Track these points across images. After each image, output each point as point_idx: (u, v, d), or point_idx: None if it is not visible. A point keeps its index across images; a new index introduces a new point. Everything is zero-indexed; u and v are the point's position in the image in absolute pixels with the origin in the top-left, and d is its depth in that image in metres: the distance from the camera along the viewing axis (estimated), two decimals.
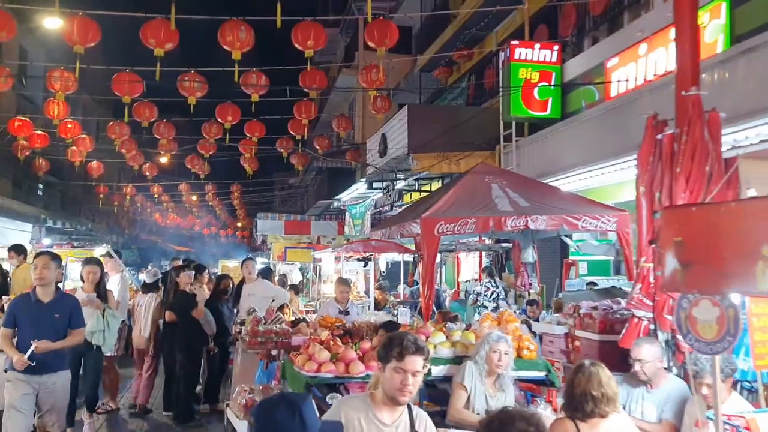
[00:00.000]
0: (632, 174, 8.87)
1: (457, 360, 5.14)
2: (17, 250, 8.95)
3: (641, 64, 9.05)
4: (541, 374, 5.46)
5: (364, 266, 8.89)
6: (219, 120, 12.13)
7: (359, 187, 15.03)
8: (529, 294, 10.30)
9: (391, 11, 21.12)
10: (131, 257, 32.79)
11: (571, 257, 11.00)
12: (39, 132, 14.63)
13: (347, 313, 7.02)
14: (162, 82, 10.64)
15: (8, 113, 14.59)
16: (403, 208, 11.13)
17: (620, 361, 4.72)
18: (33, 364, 4.73)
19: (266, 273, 8.46)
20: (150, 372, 7.86)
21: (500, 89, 11.37)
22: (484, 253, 12.27)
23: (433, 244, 8.02)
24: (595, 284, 9.18)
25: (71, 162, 16.81)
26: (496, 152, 11.74)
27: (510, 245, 11.22)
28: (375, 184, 14.46)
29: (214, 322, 7.35)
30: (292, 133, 13.72)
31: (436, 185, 14.61)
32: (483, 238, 11.20)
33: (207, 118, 13.58)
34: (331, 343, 5.07)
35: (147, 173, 19.01)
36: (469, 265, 14.16)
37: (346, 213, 17.24)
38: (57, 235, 20.97)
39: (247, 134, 13.60)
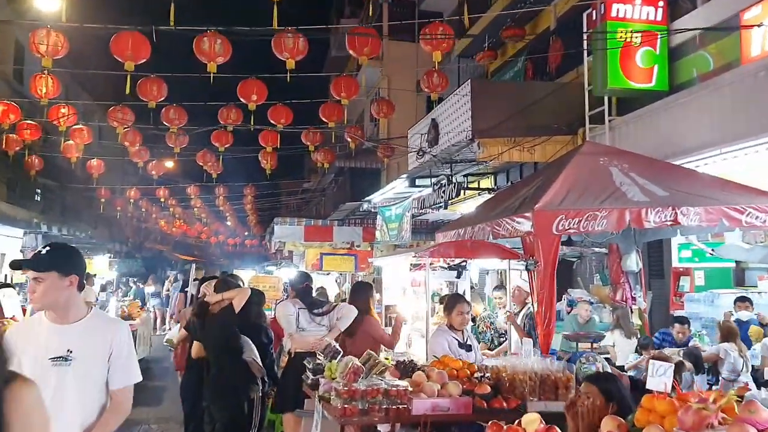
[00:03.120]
0: None
1: None
2: None
3: None
4: None
5: (457, 277, 6.53)
6: (241, 99, 9.80)
7: (397, 185, 12.65)
8: (632, 311, 7.95)
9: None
10: (135, 267, 30.44)
11: (681, 264, 8.65)
12: (30, 122, 12.35)
13: (468, 347, 4.72)
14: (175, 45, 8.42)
15: None
16: (480, 203, 8.75)
17: None
18: None
19: (304, 289, 5.51)
20: None
21: (584, 55, 9.07)
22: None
23: (552, 246, 5.69)
24: (746, 299, 6.83)
25: (68, 162, 14.44)
26: (580, 136, 9.42)
27: (603, 249, 8.90)
28: (419, 181, 12.08)
29: (259, 357, 5.02)
30: (323, 119, 11.41)
31: (486, 182, 12.28)
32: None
33: (225, 102, 11.26)
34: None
35: (153, 172, 16.59)
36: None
37: (378, 216, 14.85)
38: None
39: (272, 120, 11.28)
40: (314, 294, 5.79)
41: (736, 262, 8.41)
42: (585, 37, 9.06)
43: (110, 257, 22.41)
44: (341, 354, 4.18)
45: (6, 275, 12.83)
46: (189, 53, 8.29)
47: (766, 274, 8.08)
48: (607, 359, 7.09)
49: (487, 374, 3.79)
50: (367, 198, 15.20)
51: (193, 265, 11.45)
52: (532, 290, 5.68)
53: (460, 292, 6.96)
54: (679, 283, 8.57)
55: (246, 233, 36.59)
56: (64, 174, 21.12)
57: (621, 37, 8.48)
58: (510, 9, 13.19)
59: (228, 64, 8.59)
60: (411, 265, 6.31)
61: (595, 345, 6.04)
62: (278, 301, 8.59)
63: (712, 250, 7.23)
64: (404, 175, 12.19)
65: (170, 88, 9.87)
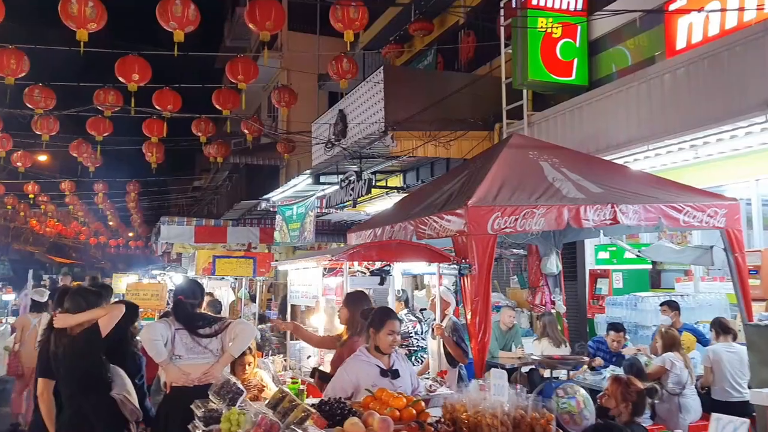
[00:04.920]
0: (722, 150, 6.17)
1: None
2: None
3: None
4: None
5: (380, 283, 5.54)
6: (120, 79, 8.39)
7: (299, 182, 11.60)
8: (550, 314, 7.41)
9: None
10: (2, 271, 27.25)
11: (599, 266, 8.24)
12: None
13: (395, 374, 3.71)
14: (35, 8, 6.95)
15: None
16: (399, 200, 7.90)
17: None
18: None
19: (177, 304, 4.14)
20: None
21: (501, 46, 8.50)
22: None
23: (488, 247, 4.95)
24: (673, 303, 6.38)
25: None
26: (496, 132, 8.84)
27: (520, 251, 8.34)
28: (323, 178, 11.11)
29: (135, 394, 3.82)
30: (218, 107, 10.14)
31: (394, 180, 11.50)
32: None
33: (102, 84, 9.74)
34: None
35: (19, 164, 14.43)
36: None
37: (277, 216, 13.70)
38: None
39: (157, 106, 9.88)
40: (203, 305, 4.57)
41: (652, 263, 8.11)
42: (503, 26, 8.49)
43: None
44: (243, 395, 3.12)
45: None
46: (55, 20, 6.88)
47: (683, 276, 7.82)
48: (534, 370, 6.46)
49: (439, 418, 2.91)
50: (265, 196, 14.00)
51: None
52: (464, 297, 4.90)
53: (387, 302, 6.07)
54: (597, 286, 8.17)
55: (130, 234, 33.86)
56: None
57: (541, 28, 7.97)
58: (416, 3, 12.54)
59: (103, 35, 7.24)
60: (324, 269, 5.34)
61: (572, 373, 5.31)
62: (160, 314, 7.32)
63: (639, 251, 6.80)
64: (308, 171, 11.16)
65: (32, 63, 8.29)
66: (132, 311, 4.20)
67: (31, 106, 9.68)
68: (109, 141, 11.97)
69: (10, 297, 15.12)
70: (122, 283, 15.22)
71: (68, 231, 28.90)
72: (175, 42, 7.10)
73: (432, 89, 8.89)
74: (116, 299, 6.04)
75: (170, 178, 22.44)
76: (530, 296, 7.53)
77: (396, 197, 10.19)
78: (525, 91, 8.35)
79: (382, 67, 9.04)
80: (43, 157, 21.66)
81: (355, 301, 4.78)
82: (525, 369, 6.54)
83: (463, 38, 11.20)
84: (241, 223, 16.59)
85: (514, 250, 8.12)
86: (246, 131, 12.47)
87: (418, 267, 6.20)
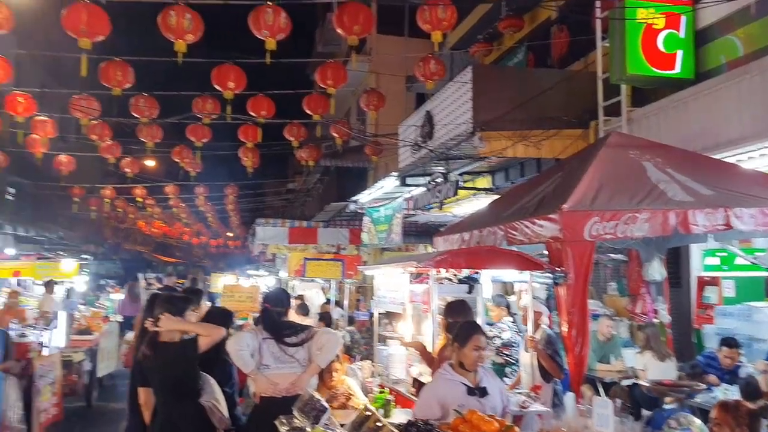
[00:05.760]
0: None
1: None
2: None
3: None
4: None
5: (468, 292, 5.33)
6: (217, 87, 8.58)
7: (387, 184, 11.49)
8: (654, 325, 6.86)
9: None
10: (113, 270, 28.99)
11: (707, 273, 7.58)
12: None
13: (483, 392, 3.47)
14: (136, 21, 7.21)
15: None
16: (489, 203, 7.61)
17: None
18: None
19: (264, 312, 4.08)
20: None
21: (597, 40, 8.01)
22: None
23: (585, 255, 4.60)
24: None
25: (36, 158, 13.06)
26: (592, 130, 8.35)
27: (619, 256, 7.83)
28: (410, 180, 10.94)
29: (224, 402, 3.80)
30: (308, 112, 10.21)
31: (482, 182, 11.15)
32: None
33: (200, 92, 10.02)
34: None
35: (127, 169, 15.22)
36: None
37: (365, 217, 13.69)
38: (26, 245, 17.30)
39: (252, 113, 10.07)
40: (294, 307, 4.50)
41: None
42: (599, 19, 8.00)
43: (85, 258, 20.99)
44: (327, 412, 3.00)
45: None
46: (154, 32, 7.10)
47: None
48: (636, 384, 6.00)
49: None
50: (353, 198, 14.02)
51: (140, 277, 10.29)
52: (559, 307, 4.58)
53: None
54: (704, 294, 7.52)
55: (229, 234, 35.15)
56: (37, 171, 19.70)
57: (642, 19, 7.43)
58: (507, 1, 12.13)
59: (200, 45, 7.40)
60: (411, 276, 5.16)
61: (690, 400, 4.85)
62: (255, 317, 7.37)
63: (754, 257, 6.18)
64: (395, 173, 11.03)
65: (136, 74, 8.63)
66: (227, 318, 4.19)
67: (136, 115, 10.13)
68: (208, 146, 12.34)
69: (118, 296, 15.97)
70: (220, 282, 15.69)
71: (172, 231, 30.39)
72: (267, 50, 7.16)
73: (522, 87, 8.52)
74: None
75: (265, 181, 23.04)
76: (630, 305, 7.03)
77: (484, 198, 9.88)
78: (623, 87, 7.83)
79: (470, 67, 8.76)
80: (149, 163, 22.85)
81: (452, 311, 4.55)
82: (626, 383, 6.09)
83: (556, 33, 10.71)
84: (332, 224, 16.75)
85: (612, 255, 7.63)
86: (336, 135, 12.54)
87: (509, 274, 5.90)
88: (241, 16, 7.13)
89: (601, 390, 4.22)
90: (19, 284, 11.29)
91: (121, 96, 8.92)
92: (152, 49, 8.51)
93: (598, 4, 8.06)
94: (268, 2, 6.88)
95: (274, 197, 29.13)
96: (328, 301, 10.88)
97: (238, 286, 11.35)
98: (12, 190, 22.20)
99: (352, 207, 14.17)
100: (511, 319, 6.20)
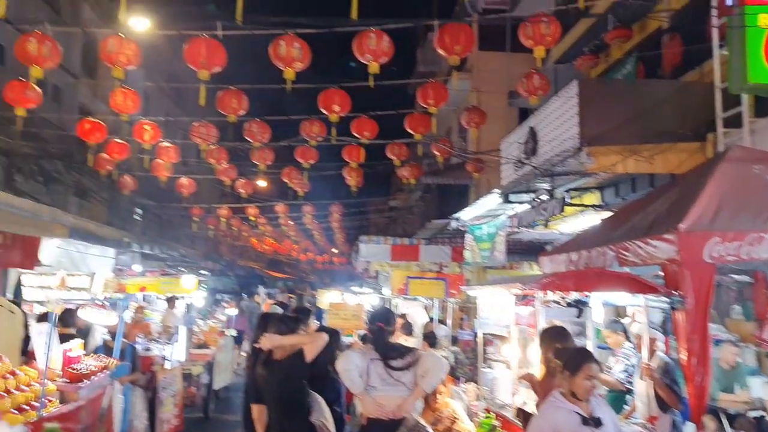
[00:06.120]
0: None
1: None
2: None
3: None
4: None
5: (577, 316, 5.15)
6: (323, 111, 8.88)
7: (489, 201, 11.33)
8: None
9: (512, 5, 17.67)
10: (229, 285, 30.45)
11: None
12: (118, 140, 11.99)
13: (597, 422, 3.29)
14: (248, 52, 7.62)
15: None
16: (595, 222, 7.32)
17: None
18: None
19: (378, 331, 3.94)
20: None
21: (714, 49, 7.51)
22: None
23: (706, 278, 4.29)
24: None
25: (161, 181, 14.08)
26: (710, 143, 7.82)
27: (744, 277, 7.23)
28: (513, 197, 10.72)
29: (332, 421, 3.87)
30: (410, 131, 10.33)
31: (590, 198, 10.72)
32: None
33: (307, 116, 10.40)
34: None
35: (241, 190, 16.08)
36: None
37: (467, 235, 13.55)
38: (151, 262, 18.57)
39: (355, 134, 10.33)
40: (397, 326, 4.50)
41: None
42: (716, 26, 7.51)
43: (203, 274, 22.24)
44: None
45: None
46: (264, 61, 7.47)
47: None
48: (763, 417, 5.50)
49: None
50: (455, 215, 13.94)
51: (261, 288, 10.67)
52: (677, 334, 4.29)
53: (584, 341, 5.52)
54: None
55: (334, 251, 36.04)
56: (161, 193, 21.20)
57: (764, 25, 6.89)
58: (613, 8, 11.68)
59: (307, 71, 7.69)
60: (516, 297, 5.04)
61: None
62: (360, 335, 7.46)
63: None
64: (497, 190, 10.86)
65: (249, 100, 9.11)
66: (335, 336, 4.27)
67: (250, 140, 10.70)
68: (315, 167, 12.79)
69: (232, 312, 16.72)
70: (326, 297, 16.05)
71: (282, 248, 31.64)
72: (370, 73, 7.32)
73: (632, 100, 8.14)
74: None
75: (368, 199, 23.47)
76: (757, 330, 6.47)
77: (592, 215, 9.49)
78: (745, 96, 7.28)
79: (575, 81, 8.49)
80: (261, 183, 23.95)
81: (548, 338, 4.37)
82: (753, 414, 5.59)
83: (667, 43, 10.17)
84: (434, 242, 16.76)
85: (736, 277, 7.06)
86: (437, 153, 12.58)
87: (621, 297, 5.60)
88: (345, 41, 7.35)
89: (725, 422, 3.90)
90: (144, 299, 12.09)
91: (236, 122, 9.44)
92: (264, 77, 8.92)
93: (714, 11, 7.58)
94: (372, 27, 7.04)
95: (376, 215, 29.62)
96: (431, 319, 10.85)
97: (343, 305, 11.55)
98: (139, 211, 24.04)
99: (454, 224, 14.10)
100: (630, 345, 5.83)
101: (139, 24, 8.81)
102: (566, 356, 3.58)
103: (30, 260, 7.11)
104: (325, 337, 3.95)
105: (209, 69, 7.22)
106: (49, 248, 7.43)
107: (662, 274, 4.56)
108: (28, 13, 14.54)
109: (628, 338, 5.85)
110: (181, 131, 14.42)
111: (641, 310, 5.13)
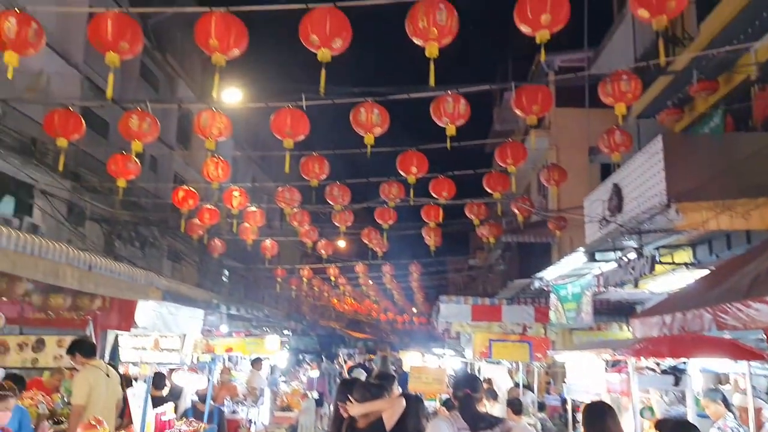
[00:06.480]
0: None
1: None
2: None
3: None
4: None
5: (674, 384, 4.83)
6: (401, 172, 9.04)
7: (573, 260, 10.98)
8: None
9: (589, 62, 17.57)
10: (311, 345, 30.74)
11: None
12: (209, 207, 12.63)
13: None
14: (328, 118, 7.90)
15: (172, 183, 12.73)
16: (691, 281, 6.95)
17: None
18: None
19: (465, 398, 3.85)
20: None
21: None
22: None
23: None
24: None
25: (247, 243, 14.65)
26: None
27: None
28: (599, 255, 10.35)
29: None
30: (488, 190, 10.30)
31: (682, 255, 10.20)
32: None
33: (385, 178, 10.61)
34: None
35: (322, 251, 16.43)
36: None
37: (552, 295, 13.14)
38: (237, 322, 19.10)
39: (433, 194, 10.41)
40: (482, 392, 4.31)
41: None
42: None
43: (286, 334, 22.59)
44: None
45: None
46: (345, 127, 7.73)
47: None
48: None
49: None
50: (538, 275, 13.59)
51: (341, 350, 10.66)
52: None
53: (682, 409, 5.15)
54: None
55: (414, 311, 35.82)
56: (247, 254, 21.98)
57: None
58: (697, 60, 11.37)
59: (386, 136, 7.89)
60: (606, 363, 4.78)
61: None
62: (440, 402, 7.28)
63: None
64: (581, 249, 10.53)
65: (330, 165, 9.42)
66: (418, 404, 4.18)
67: (331, 202, 11.00)
68: (394, 227, 12.93)
69: (314, 374, 16.80)
70: (407, 359, 15.86)
71: (362, 308, 31.78)
72: (447, 135, 7.42)
73: (722, 153, 7.78)
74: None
75: (447, 258, 23.38)
76: None
77: (684, 274, 9.00)
78: None
79: (659, 136, 8.25)
80: (341, 244, 24.42)
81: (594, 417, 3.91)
82: None
83: (757, 94, 9.75)
84: (516, 301, 16.33)
85: None
86: (517, 211, 12.44)
87: (721, 364, 5.18)
88: (423, 104, 7.51)
89: None
90: (229, 360, 12.36)
91: (318, 185, 9.76)
92: (344, 142, 9.21)
93: None
94: (449, 91, 7.18)
95: (456, 273, 29.32)
96: (516, 384, 10.44)
97: (425, 368, 11.34)
98: (227, 273, 24.96)
99: (537, 284, 13.71)
100: (732, 416, 5.33)
101: (230, 97, 9.38)
102: (668, 428, 3.35)
103: (127, 322, 7.48)
104: (402, 403, 3.87)
105: (294, 137, 7.54)
106: (144, 310, 7.80)
107: (766, 338, 4.22)
108: (130, 91, 15.84)
109: (728, 408, 5.39)
110: (266, 195, 15.03)
111: (744, 377, 4.75)
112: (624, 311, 11.61)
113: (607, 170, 15.21)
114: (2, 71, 5.62)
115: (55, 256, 5.10)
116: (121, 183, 8.80)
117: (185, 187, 11.50)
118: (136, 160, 8.97)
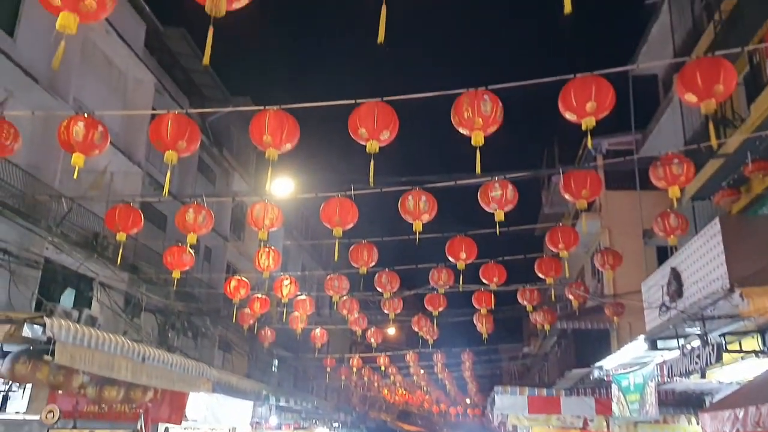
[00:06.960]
0: None
1: None
2: None
3: None
4: None
5: None
6: (450, 258, 8.99)
7: (634, 349, 10.48)
8: None
9: (637, 145, 17.48)
10: None
11: None
12: (260, 296, 12.76)
13: None
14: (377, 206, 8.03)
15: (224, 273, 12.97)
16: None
17: None
18: None
19: None
20: None
21: None
22: None
23: None
24: None
25: (297, 332, 14.65)
26: None
27: None
28: (661, 343, 9.86)
29: None
30: (540, 275, 10.10)
31: (750, 342, 9.61)
32: None
33: (435, 264, 10.56)
34: None
35: (372, 340, 16.22)
36: None
37: (613, 386, 12.48)
38: (286, 414, 18.76)
39: (484, 280, 10.26)
40: None
41: None
42: None
43: (335, 427, 21.99)
44: None
45: None
46: (393, 214, 7.81)
47: None
48: None
49: None
50: (597, 364, 12.99)
51: None
52: None
53: None
54: None
55: (467, 401, 34.52)
56: (297, 344, 21.88)
57: None
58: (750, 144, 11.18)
59: (434, 222, 7.92)
60: None
61: None
62: None
63: None
64: (641, 336, 10.07)
65: (379, 252, 9.45)
66: None
67: (380, 290, 10.96)
68: (444, 314, 12.73)
69: None
70: None
71: (413, 399, 30.82)
72: (496, 221, 7.38)
73: None
74: None
75: (500, 346, 22.71)
76: None
77: (755, 362, 8.44)
78: None
79: (717, 218, 8.02)
80: (391, 331, 24.10)
81: None
82: None
83: None
84: (574, 392, 15.55)
85: None
86: (571, 297, 12.10)
87: None
88: (471, 191, 7.55)
89: None
90: None
91: (367, 273, 9.77)
92: (393, 229, 9.29)
93: None
94: (496, 177, 7.22)
95: (510, 362, 28.32)
96: None
97: None
98: (276, 362, 24.80)
99: (596, 373, 13.09)
100: None
101: (282, 188, 9.66)
102: None
103: (177, 415, 7.46)
104: None
105: (343, 226, 7.64)
106: (195, 402, 7.77)
107: None
108: (188, 185, 16.54)
109: None
110: (315, 284, 15.11)
111: None
112: (692, 402, 10.89)
113: (663, 252, 14.76)
114: (69, 171, 5.96)
115: (111, 348, 5.19)
116: (176, 274, 9.02)
117: (237, 276, 11.70)
118: (191, 251, 9.23)
